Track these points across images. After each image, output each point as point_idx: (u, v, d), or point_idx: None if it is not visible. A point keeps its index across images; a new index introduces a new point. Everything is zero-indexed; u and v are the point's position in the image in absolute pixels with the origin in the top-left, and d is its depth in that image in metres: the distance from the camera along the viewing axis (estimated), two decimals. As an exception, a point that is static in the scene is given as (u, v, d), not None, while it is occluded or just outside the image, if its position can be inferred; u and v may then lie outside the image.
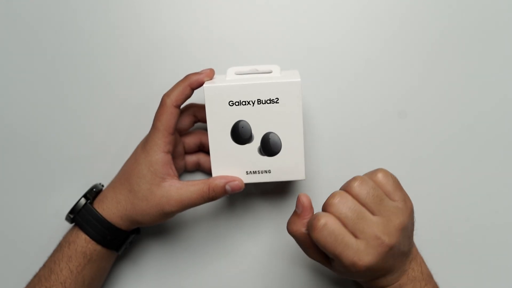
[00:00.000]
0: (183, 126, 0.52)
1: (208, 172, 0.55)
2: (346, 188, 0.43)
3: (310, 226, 0.42)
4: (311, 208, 0.44)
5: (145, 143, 0.48)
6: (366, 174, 0.44)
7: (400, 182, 0.45)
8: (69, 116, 0.56)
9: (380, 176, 0.44)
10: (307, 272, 0.56)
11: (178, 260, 0.56)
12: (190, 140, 0.53)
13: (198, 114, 0.52)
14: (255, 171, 0.48)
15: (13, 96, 0.56)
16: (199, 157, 0.54)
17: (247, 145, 0.47)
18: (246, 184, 0.48)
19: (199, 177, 0.56)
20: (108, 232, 0.48)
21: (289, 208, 0.56)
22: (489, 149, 0.55)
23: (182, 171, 0.54)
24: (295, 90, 0.46)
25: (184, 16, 0.55)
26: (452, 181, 0.56)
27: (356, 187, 0.42)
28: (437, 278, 0.52)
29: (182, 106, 0.48)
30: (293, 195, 0.56)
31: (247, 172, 0.48)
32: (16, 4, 0.55)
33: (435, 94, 0.55)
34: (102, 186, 0.52)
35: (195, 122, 0.53)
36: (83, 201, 0.49)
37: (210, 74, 0.47)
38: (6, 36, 0.56)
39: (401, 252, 0.43)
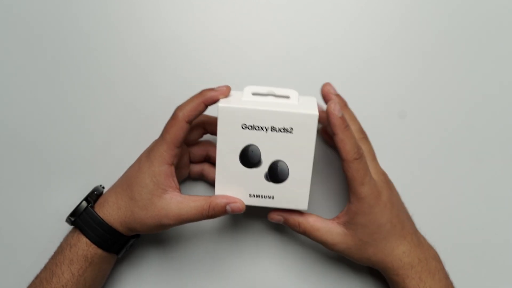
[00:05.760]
0: (192, 138, 0.51)
1: (211, 182, 0.54)
2: None
3: None
4: None
5: (150, 152, 0.47)
6: None
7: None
8: (70, 116, 0.55)
9: None
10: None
11: (177, 263, 0.56)
12: (197, 151, 0.52)
13: (208, 127, 0.51)
14: (259, 195, 0.47)
15: (15, 97, 0.55)
16: (204, 167, 0.54)
17: (254, 169, 0.46)
18: (248, 205, 0.47)
19: (201, 185, 0.56)
20: (109, 236, 0.48)
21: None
22: (490, 149, 0.55)
23: (184, 178, 0.54)
24: (311, 123, 0.45)
25: (187, 18, 0.54)
26: (452, 180, 0.56)
27: None
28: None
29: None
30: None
31: (250, 194, 0.47)
32: (17, 6, 0.53)
33: (435, 94, 0.55)
34: (103, 188, 0.52)
35: (204, 134, 0.52)
36: (84, 204, 0.48)
37: (226, 92, 0.46)
38: (7, 37, 0.54)
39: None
